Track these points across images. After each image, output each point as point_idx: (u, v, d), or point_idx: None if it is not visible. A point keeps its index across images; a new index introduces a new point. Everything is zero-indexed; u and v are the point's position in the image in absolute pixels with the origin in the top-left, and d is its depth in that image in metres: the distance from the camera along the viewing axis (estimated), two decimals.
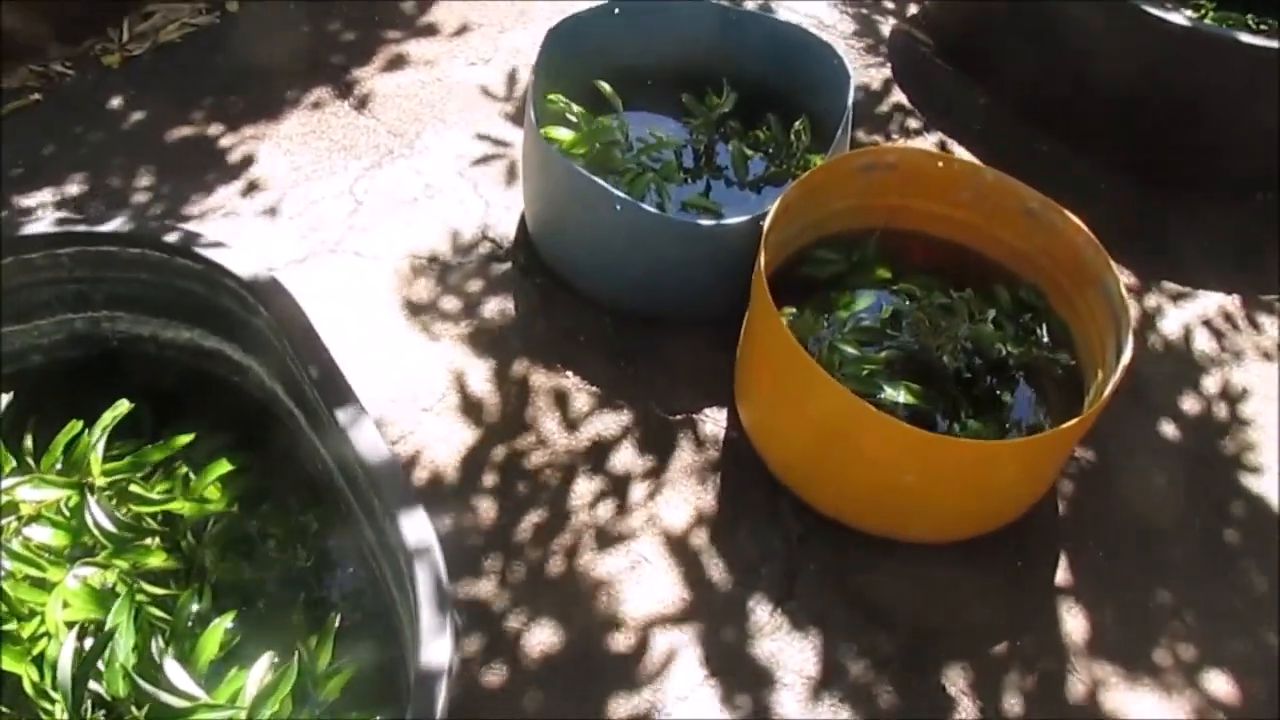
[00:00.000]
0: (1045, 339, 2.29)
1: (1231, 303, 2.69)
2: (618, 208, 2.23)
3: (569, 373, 2.38)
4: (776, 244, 2.30)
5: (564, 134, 2.54)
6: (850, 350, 2.18)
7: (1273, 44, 2.55)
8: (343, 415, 1.68)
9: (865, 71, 3.19)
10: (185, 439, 1.96)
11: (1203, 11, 3.10)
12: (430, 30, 3.20)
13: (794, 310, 2.29)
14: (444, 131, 2.89)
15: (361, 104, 2.94)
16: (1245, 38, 2.54)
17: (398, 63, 3.08)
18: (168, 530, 1.90)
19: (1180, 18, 2.57)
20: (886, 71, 3.20)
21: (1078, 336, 2.27)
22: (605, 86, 2.61)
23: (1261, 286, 2.75)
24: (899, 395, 2.12)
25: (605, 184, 2.23)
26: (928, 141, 3.00)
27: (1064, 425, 1.92)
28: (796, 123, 2.61)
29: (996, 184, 2.32)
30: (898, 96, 3.13)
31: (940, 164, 2.35)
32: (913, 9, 3.43)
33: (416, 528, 1.55)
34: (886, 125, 3.04)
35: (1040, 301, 2.34)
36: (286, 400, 1.95)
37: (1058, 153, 3.00)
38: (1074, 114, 2.98)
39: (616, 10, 2.70)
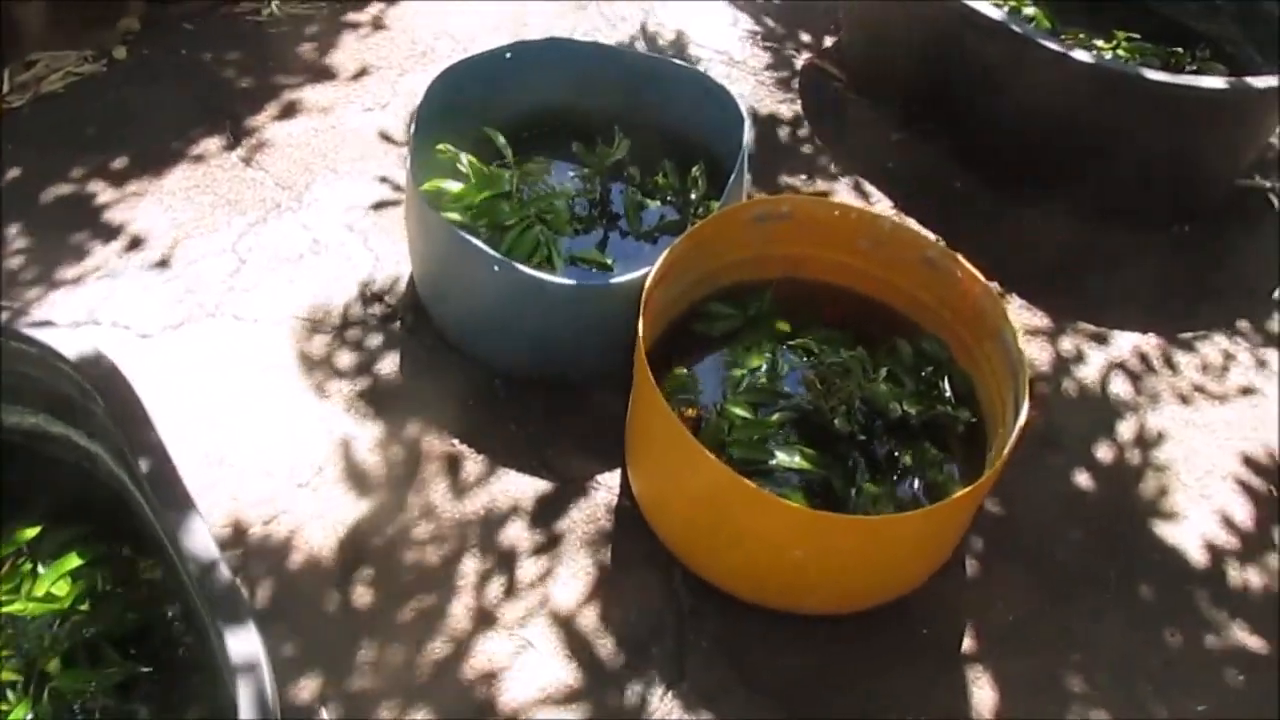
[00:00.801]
0: (948, 394, 2.20)
1: (1148, 343, 2.61)
2: (495, 269, 2.12)
3: (455, 440, 2.26)
4: (665, 301, 2.21)
5: (452, 186, 2.43)
6: (742, 413, 2.09)
7: (1173, 79, 2.49)
8: (171, 516, 1.56)
9: (777, 109, 3.11)
10: (31, 532, 1.84)
11: (1114, 43, 3.04)
12: (327, 74, 3.09)
13: (685, 370, 2.20)
14: (335, 182, 2.78)
15: (250, 155, 2.83)
16: (1149, 74, 2.47)
17: (291, 110, 2.97)
18: (10, 634, 1.77)
19: (1084, 55, 2.50)
20: (798, 108, 3.12)
21: (981, 390, 2.18)
22: (495, 135, 2.50)
23: (1179, 324, 2.67)
24: (792, 460, 2.03)
25: (481, 244, 2.13)
26: (840, 182, 2.92)
27: (957, 494, 1.83)
28: (693, 169, 2.52)
29: (894, 233, 2.23)
30: (810, 135, 3.04)
31: (836, 212, 2.27)
32: (827, 42, 3.36)
33: (242, 643, 1.43)
34: (798, 165, 2.95)
35: (943, 353, 2.25)
36: (134, 490, 1.83)
37: (972, 189, 2.93)
38: (986, 150, 2.91)
39: (509, 55, 2.61)
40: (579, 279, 2.33)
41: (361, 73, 3.10)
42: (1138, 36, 3.04)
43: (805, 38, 3.37)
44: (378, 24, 3.26)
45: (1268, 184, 3.03)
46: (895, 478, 2.10)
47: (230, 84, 3.02)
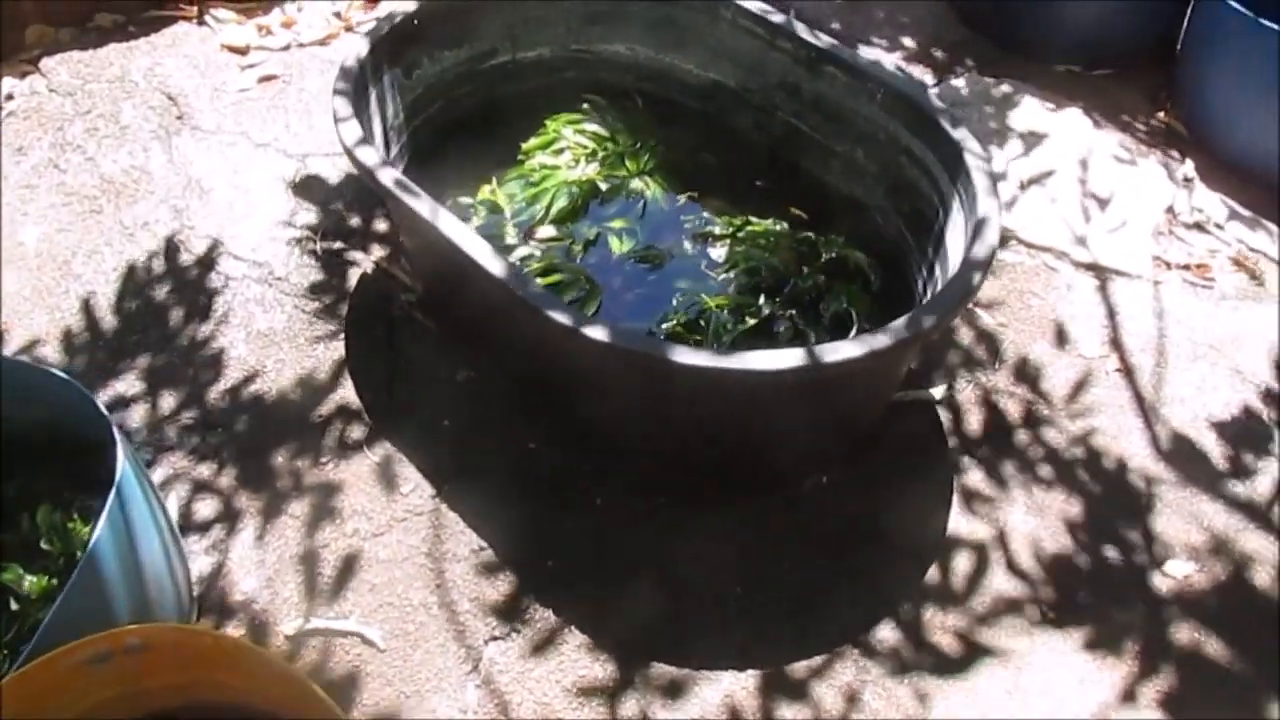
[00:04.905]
0: None
1: (744, 687, 1.94)
2: None
3: None
4: None
5: None
6: None
7: (703, 362, 1.79)
8: None
9: (312, 352, 2.39)
10: None
11: (733, 229, 2.40)
12: None
13: None
14: None
15: None
16: (676, 356, 1.79)
17: None
18: None
19: (597, 331, 1.82)
20: (340, 347, 2.40)
21: None
22: None
23: (797, 644, 1.99)
24: None
25: None
26: (370, 457, 2.21)
27: None
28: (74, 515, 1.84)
29: (283, 675, 1.57)
30: (346, 388, 2.33)
31: (209, 641, 1.60)
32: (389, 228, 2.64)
33: None
34: (317, 439, 2.25)
35: None
36: None
37: (544, 456, 2.23)
38: (546, 407, 2.25)
39: None
40: None
41: None
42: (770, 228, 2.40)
43: (382, 227, 2.66)
44: None
45: (936, 394, 2.37)
46: None
47: None
